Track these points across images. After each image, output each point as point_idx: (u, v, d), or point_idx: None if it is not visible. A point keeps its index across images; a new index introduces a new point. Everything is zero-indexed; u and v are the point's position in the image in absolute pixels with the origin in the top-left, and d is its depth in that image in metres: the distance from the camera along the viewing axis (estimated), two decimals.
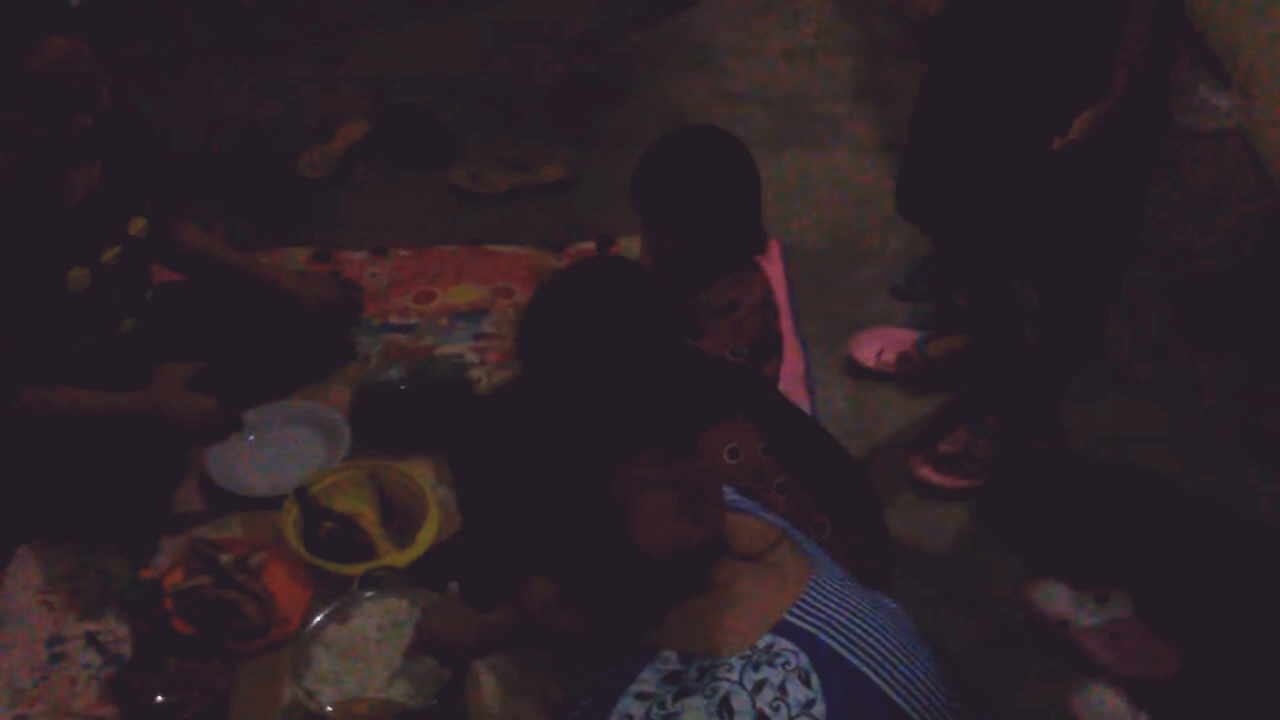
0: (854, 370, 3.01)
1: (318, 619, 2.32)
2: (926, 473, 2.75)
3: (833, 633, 1.50)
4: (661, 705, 1.41)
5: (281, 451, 2.75)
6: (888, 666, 1.52)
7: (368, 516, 2.58)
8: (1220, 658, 2.38)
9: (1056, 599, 2.47)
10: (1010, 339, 2.80)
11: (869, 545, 2.16)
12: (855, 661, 1.50)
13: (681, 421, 1.54)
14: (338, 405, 2.84)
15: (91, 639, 2.38)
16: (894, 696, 1.50)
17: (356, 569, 2.44)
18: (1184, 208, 3.47)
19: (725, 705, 1.41)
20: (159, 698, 2.22)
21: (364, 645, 2.29)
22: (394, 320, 3.11)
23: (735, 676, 1.43)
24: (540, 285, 2.08)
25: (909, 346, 3.00)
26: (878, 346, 3.03)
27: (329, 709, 2.15)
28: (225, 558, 2.46)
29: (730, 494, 1.73)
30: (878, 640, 1.54)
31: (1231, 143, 3.70)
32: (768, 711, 1.41)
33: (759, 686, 1.42)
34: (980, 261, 2.71)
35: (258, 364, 2.85)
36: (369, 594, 2.36)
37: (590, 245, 3.32)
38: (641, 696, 1.43)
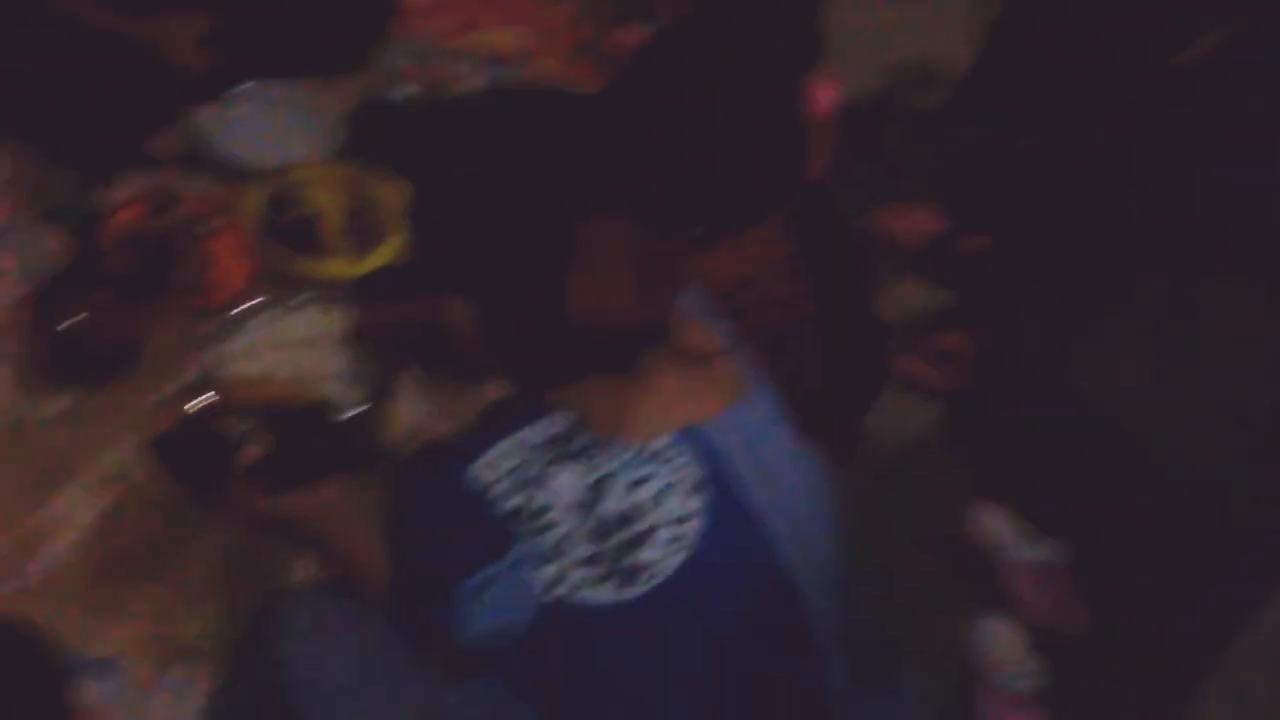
0: (876, 241, 2.87)
1: (253, 301, 2.22)
2: (908, 363, 2.62)
3: (742, 459, 1.39)
4: (534, 464, 1.31)
5: (272, 129, 2.62)
6: (783, 513, 1.41)
7: (332, 219, 2.45)
8: (1132, 632, 2.27)
9: (996, 525, 2.36)
10: (1038, 250, 2.65)
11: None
12: (750, 494, 1.39)
13: (667, 198, 1.41)
14: (341, 103, 2.70)
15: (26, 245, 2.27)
16: (783, 543, 1.40)
17: (305, 264, 2.33)
18: None
19: (599, 485, 1.31)
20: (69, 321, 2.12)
21: (291, 342, 2.19)
22: (424, 40, 2.95)
23: (619, 462, 1.32)
24: None
25: (939, 232, 2.84)
26: (910, 222, 2.88)
27: (244, 380, 2.05)
28: (180, 211, 2.34)
29: (698, 297, 1.62)
30: (783, 486, 1.43)
31: None
32: (641, 507, 1.31)
33: (640, 481, 1.32)
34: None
35: (275, 35, 2.71)
36: (310, 295, 2.26)
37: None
38: (519, 448, 1.32)
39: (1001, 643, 2.18)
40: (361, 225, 2.46)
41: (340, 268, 2.35)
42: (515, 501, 1.30)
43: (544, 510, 1.30)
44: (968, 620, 2.23)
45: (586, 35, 2.96)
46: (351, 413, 2.08)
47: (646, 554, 1.30)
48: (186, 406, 1.85)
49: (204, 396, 1.87)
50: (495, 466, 1.32)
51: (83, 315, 2.11)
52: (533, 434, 1.34)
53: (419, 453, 1.50)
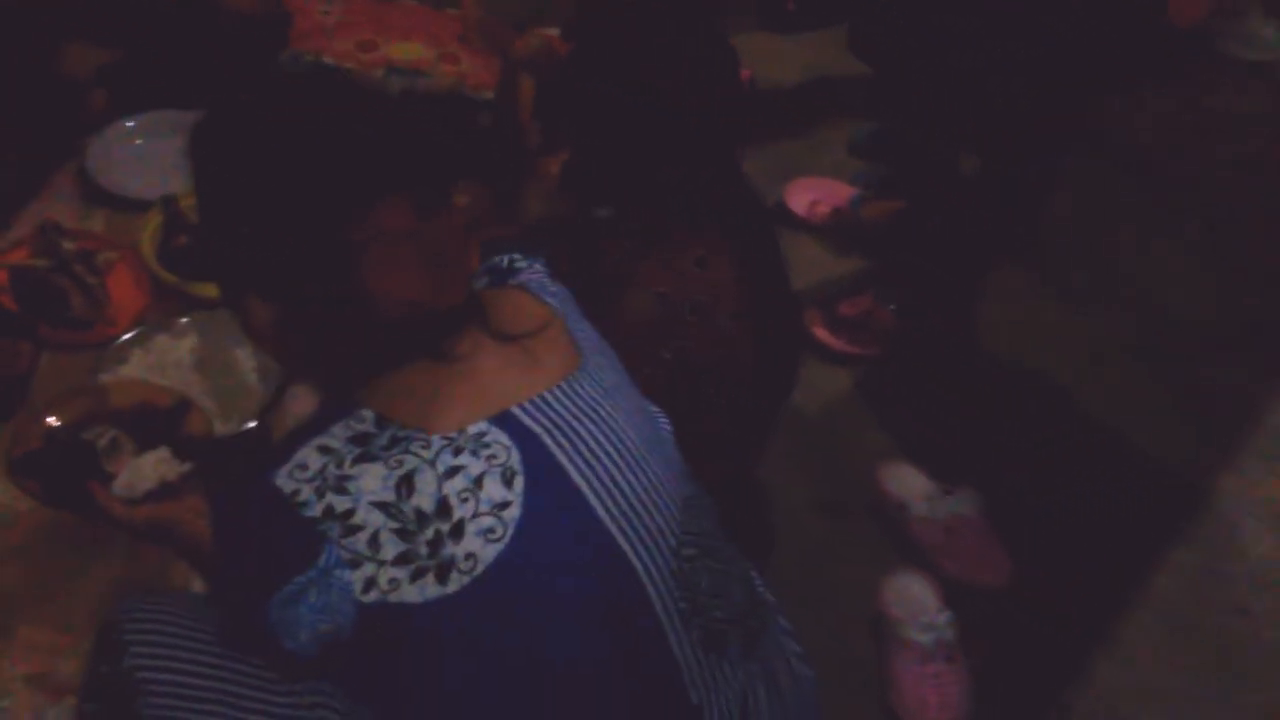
0: (783, 216, 2.86)
1: (139, 328, 2.25)
2: (820, 332, 2.62)
3: (560, 439, 1.36)
4: (339, 464, 1.28)
5: (166, 161, 2.64)
6: (614, 492, 1.37)
7: None
8: (1047, 577, 2.27)
9: (904, 482, 2.35)
10: (945, 210, 2.64)
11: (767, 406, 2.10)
12: (575, 477, 1.35)
13: (441, 173, 1.39)
14: None
15: None
16: (608, 524, 1.36)
17: (197, 288, 2.35)
18: (1196, 130, 3.29)
19: (407, 480, 1.28)
20: None
21: (178, 365, 2.22)
22: (328, 60, 2.96)
23: (429, 455, 1.29)
24: None
25: (844, 202, 2.84)
26: (812, 197, 2.89)
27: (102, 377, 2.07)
28: (69, 245, 2.37)
29: (531, 270, 1.61)
30: (615, 461, 1.39)
31: (1270, 75, 3.51)
32: (453, 500, 1.28)
33: (452, 472, 1.29)
34: (925, 116, 2.55)
35: (170, 66, 2.73)
36: (200, 318, 2.28)
37: (553, 31, 3.15)
38: (324, 450, 1.30)
39: (911, 596, 2.17)
40: None
41: None
42: (323, 505, 1.28)
43: (351, 512, 1.28)
44: (880, 577, 2.22)
45: (507, 40, 2.98)
46: (242, 430, 2.10)
47: (462, 546, 1.27)
48: (44, 419, 1.89)
49: (61, 409, 1.90)
50: (300, 471, 1.29)
51: None
52: (338, 434, 1.32)
53: (237, 462, 1.49)
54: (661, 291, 2.05)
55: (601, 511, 1.36)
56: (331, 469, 1.28)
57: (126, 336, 2.22)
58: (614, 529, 1.36)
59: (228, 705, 1.43)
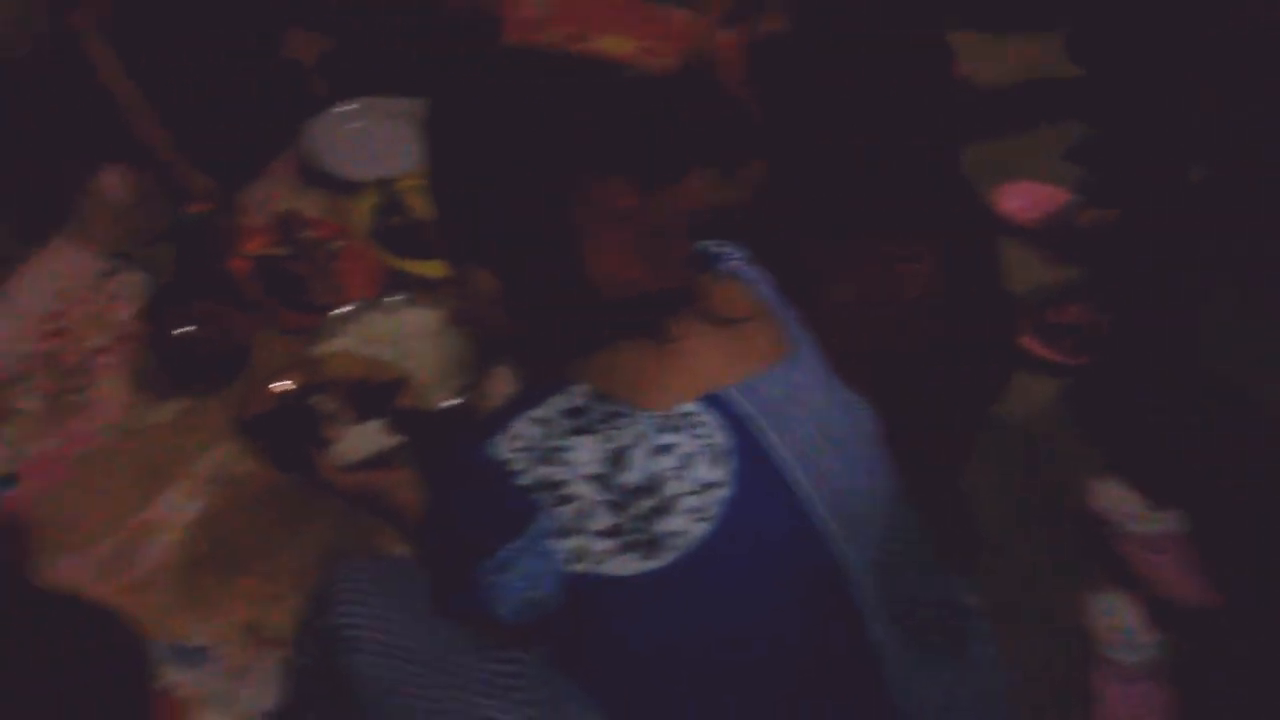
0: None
1: (357, 304, 2.30)
2: (1028, 339, 2.54)
3: (771, 423, 1.35)
4: (553, 436, 1.31)
5: (382, 145, 2.72)
6: (822, 479, 1.37)
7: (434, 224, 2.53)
8: (1260, 601, 2.16)
9: (1113, 498, 2.26)
10: (1168, 219, 2.54)
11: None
12: (785, 461, 1.35)
13: (665, 155, 1.40)
14: None
15: (144, 263, 2.43)
16: (816, 511, 1.34)
17: (410, 266, 2.40)
18: None
19: (619, 455, 1.29)
20: (180, 329, 2.23)
21: (390, 339, 2.26)
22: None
23: (640, 431, 1.30)
24: None
25: (1059, 207, 2.76)
26: (1026, 201, 2.82)
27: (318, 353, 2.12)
28: (306, 234, 2.46)
29: (736, 258, 1.60)
30: (824, 450, 1.39)
31: None
32: (662, 477, 1.29)
33: (663, 450, 1.30)
34: (1152, 123, 2.46)
35: (388, 53, 2.80)
36: (410, 296, 2.32)
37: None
38: (538, 421, 1.32)
39: (1117, 615, 2.10)
40: None
41: (441, 269, 2.41)
42: (536, 475, 1.30)
43: (564, 483, 1.29)
44: (1085, 593, 2.15)
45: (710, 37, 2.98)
46: (448, 404, 2.13)
47: (669, 523, 1.28)
48: (273, 386, 1.94)
49: (289, 377, 1.96)
50: (515, 441, 1.32)
51: (194, 325, 2.22)
52: (553, 406, 1.34)
53: (448, 434, 1.52)
54: (862, 287, 2.02)
55: (810, 498, 1.35)
56: (546, 440, 1.30)
57: (339, 312, 2.27)
58: (822, 516, 1.35)
59: (434, 669, 1.45)
